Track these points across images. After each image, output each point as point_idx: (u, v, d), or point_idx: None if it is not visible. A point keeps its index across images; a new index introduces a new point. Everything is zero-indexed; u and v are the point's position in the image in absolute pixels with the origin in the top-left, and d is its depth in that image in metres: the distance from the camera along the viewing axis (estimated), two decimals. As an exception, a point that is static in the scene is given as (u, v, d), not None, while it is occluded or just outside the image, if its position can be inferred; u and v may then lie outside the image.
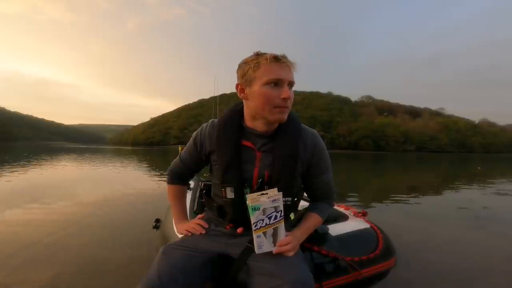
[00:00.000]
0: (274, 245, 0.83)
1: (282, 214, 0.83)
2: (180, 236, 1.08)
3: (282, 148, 0.90)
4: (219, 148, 0.92)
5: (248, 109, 0.90)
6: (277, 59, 0.81)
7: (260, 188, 0.89)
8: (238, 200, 0.90)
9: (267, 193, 0.82)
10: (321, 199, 1.03)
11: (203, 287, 0.87)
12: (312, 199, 1.07)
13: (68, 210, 3.32)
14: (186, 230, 1.01)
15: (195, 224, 1.01)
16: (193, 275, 0.82)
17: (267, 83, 0.82)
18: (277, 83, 0.82)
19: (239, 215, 0.92)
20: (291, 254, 0.83)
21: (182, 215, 1.13)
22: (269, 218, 0.82)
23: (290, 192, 0.92)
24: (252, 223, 0.81)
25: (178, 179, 1.12)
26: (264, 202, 0.81)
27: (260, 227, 0.82)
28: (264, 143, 0.91)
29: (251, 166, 0.90)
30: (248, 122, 0.92)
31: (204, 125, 1.00)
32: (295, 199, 0.98)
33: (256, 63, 0.83)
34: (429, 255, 2.07)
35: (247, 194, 0.87)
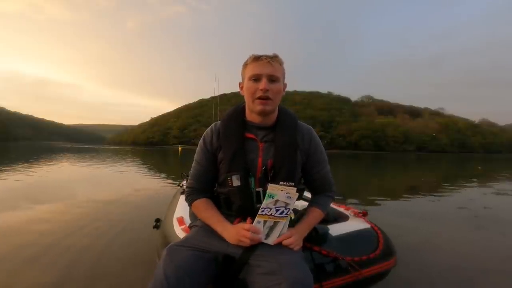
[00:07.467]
0: (265, 238, 0.87)
1: (289, 212, 0.88)
2: (181, 237, 1.08)
3: (282, 138, 0.99)
4: (225, 141, 0.99)
5: (245, 103, 1.02)
6: (257, 58, 0.95)
7: (265, 176, 0.95)
8: (244, 186, 0.95)
9: (285, 188, 0.87)
10: (321, 191, 1.09)
11: None
12: (313, 192, 1.11)
13: (69, 211, 3.32)
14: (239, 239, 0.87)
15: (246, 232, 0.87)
16: (198, 275, 0.82)
17: (250, 79, 0.95)
18: (257, 78, 0.94)
19: (246, 202, 0.96)
20: (296, 248, 0.87)
21: (223, 220, 0.97)
22: (276, 211, 0.87)
23: (292, 179, 0.97)
24: (260, 208, 0.87)
25: (199, 193, 1.05)
26: (280, 194, 0.86)
27: (265, 214, 0.87)
28: (265, 135, 1.01)
29: (255, 155, 0.98)
30: (248, 116, 1.03)
31: (209, 127, 1.08)
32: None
33: (245, 64, 0.98)
34: (429, 255, 2.07)
35: (251, 183, 0.95)
